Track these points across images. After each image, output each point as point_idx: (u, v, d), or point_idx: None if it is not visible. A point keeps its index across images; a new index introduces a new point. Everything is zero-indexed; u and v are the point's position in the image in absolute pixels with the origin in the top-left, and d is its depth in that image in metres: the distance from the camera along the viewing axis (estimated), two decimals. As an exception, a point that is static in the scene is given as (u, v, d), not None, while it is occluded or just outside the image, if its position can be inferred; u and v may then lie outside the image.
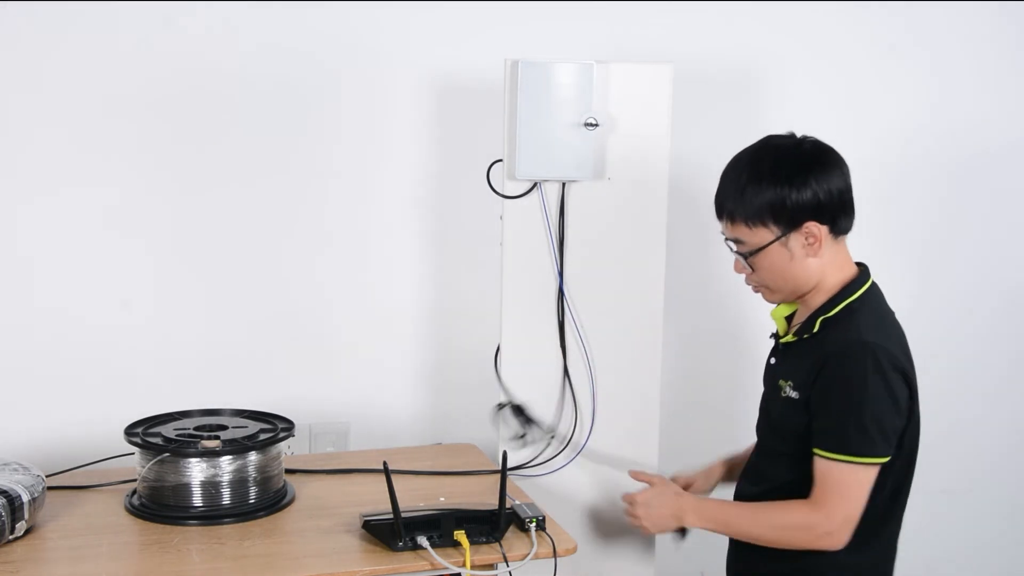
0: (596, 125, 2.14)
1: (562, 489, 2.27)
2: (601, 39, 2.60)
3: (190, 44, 2.37)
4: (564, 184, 2.19)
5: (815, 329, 1.93)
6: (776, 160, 1.91)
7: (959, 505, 3.12)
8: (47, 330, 2.36)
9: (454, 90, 2.52)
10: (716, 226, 1.95)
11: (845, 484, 1.86)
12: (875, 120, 2.88)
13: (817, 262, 1.92)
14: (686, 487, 2.16)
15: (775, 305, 2.04)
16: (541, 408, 2.26)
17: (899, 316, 1.94)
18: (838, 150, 1.92)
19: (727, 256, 1.98)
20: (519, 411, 2.24)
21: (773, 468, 2.00)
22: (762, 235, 1.90)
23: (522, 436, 2.23)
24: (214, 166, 2.42)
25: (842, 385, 1.86)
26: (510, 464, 2.21)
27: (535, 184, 2.18)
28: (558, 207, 2.20)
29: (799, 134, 1.95)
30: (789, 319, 2.04)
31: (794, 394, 1.93)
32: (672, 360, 2.38)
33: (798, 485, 1.94)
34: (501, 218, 2.20)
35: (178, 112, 2.38)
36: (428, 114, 2.53)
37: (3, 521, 1.77)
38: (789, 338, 1.98)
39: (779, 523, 1.93)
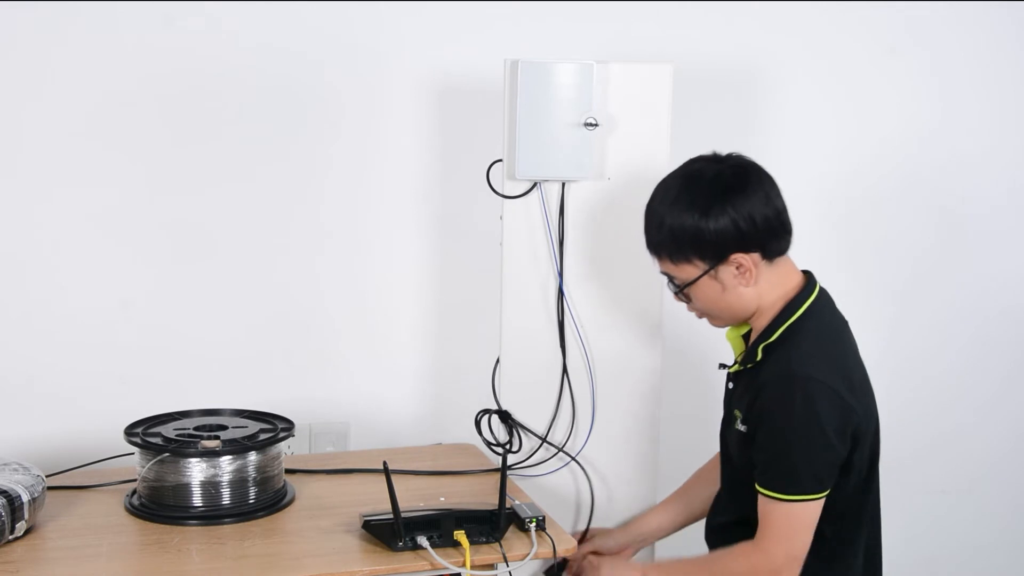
0: (596, 125, 2.14)
1: (562, 489, 2.27)
2: (601, 39, 2.60)
3: (190, 44, 2.37)
4: (564, 184, 2.19)
5: (758, 358, 1.89)
6: (691, 191, 1.85)
7: (959, 505, 3.12)
8: (46, 330, 2.36)
9: (454, 90, 2.52)
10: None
11: (782, 522, 1.83)
12: (875, 121, 2.87)
13: (753, 290, 1.87)
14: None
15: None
16: (540, 409, 2.26)
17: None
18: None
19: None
20: (505, 418, 2.24)
21: (736, 499, 1.99)
22: (689, 271, 1.88)
23: (507, 443, 2.23)
24: (214, 166, 2.42)
25: (771, 422, 1.82)
26: (509, 463, 2.22)
27: (535, 184, 2.18)
28: (558, 207, 2.20)
29: (723, 152, 1.90)
30: (746, 337, 2.00)
31: (743, 427, 1.91)
32: (672, 360, 2.38)
33: (747, 523, 1.92)
34: (501, 218, 2.20)
35: (177, 112, 2.38)
36: (428, 114, 2.53)
37: (3, 521, 1.77)
38: (736, 368, 1.96)
39: (728, 569, 1.90)
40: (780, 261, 1.90)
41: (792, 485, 1.82)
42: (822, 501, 1.84)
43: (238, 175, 2.44)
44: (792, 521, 1.83)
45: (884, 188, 2.91)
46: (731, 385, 2.01)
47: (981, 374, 3.08)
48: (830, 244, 2.84)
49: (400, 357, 2.60)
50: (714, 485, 2.17)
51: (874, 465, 1.95)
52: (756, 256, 1.85)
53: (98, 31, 2.31)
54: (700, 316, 1.98)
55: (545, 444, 2.25)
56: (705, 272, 1.86)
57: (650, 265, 2.25)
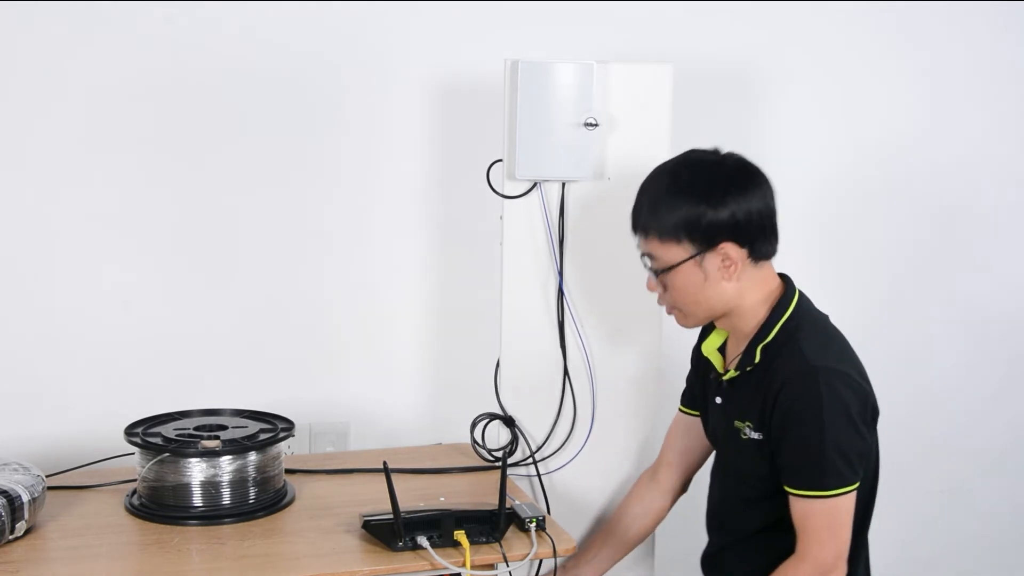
0: (596, 125, 2.14)
1: (562, 489, 2.27)
2: (601, 39, 2.60)
3: (190, 44, 2.37)
4: (564, 184, 2.19)
5: (756, 359, 1.87)
6: (694, 175, 1.84)
7: (959, 505, 3.12)
8: (47, 330, 2.36)
9: (454, 90, 2.52)
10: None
11: (826, 520, 1.81)
12: (876, 121, 2.88)
13: (733, 286, 1.85)
14: None
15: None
16: (540, 409, 2.26)
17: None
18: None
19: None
20: (509, 423, 2.24)
21: (742, 517, 1.97)
22: (675, 252, 1.84)
23: (508, 446, 2.24)
24: (214, 166, 2.42)
25: (799, 418, 1.79)
26: (509, 463, 2.22)
27: (535, 184, 2.18)
28: (558, 207, 2.20)
29: (724, 150, 1.88)
30: (721, 351, 1.99)
31: (756, 435, 1.87)
32: (672, 360, 2.38)
33: (772, 531, 1.90)
34: (501, 218, 2.20)
35: (178, 112, 2.38)
36: (428, 114, 2.53)
37: (3, 521, 1.77)
38: (732, 373, 1.92)
39: None
40: (763, 265, 1.88)
41: (832, 478, 1.79)
42: (853, 496, 1.82)
43: (239, 176, 2.44)
44: (835, 517, 1.81)
45: (884, 189, 2.91)
46: (719, 400, 1.98)
47: (979, 374, 3.08)
48: (828, 244, 2.84)
49: (400, 357, 2.60)
50: (644, 513, 2.16)
51: (877, 466, 1.94)
52: (744, 252, 1.83)
53: (97, 31, 2.31)
54: (669, 311, 1.93)
55: (534, 449, 2.25)
56: (691, 257, 1.83)
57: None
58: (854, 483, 1.81)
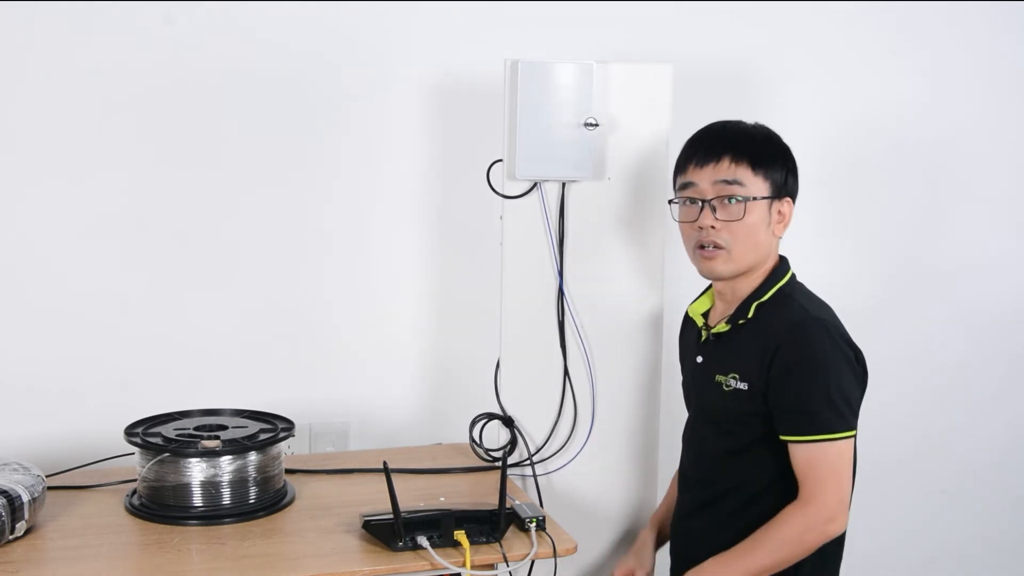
0: (596, 125, 2.14)
1: (562, 489, 2.27)
2: (601, 39, 2.60)
3: (190, 44, 2.37)
4: (564, 184, 2.19)
5: (750, 314, 1.95)
6: (787, 147, 2.01)
7: (959, 505, 3.12)
8: (47, 330, 2.36)
9: (454, 90, 2.52)
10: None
11: (830, 465, 1.85)
12: (876, 121, 2.87)
13: (772, 241, 1.98)
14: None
15: (693, 301, 2.12)
16: (540, 409, 2.26)
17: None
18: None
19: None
20: (508, 423, 2.24)
21: (724, 470, 1.99)
22: (759, 187, 1.95)
23: (507, 446, 2.23)
24: (215, 166, 2.42)
25: (804, 364, 1.86)
26: (509, 463, 2.22)
27: (535, 184, 2.18)
28: (558, 207, 2.20)
29: None
30: (706, 315, 2.08)
31: (742, 385, 1.93)
32: (672, 359, 2.38)
33: (736, 493, 1.94)
34: (501, 218, 2.20)
35: (178, 112, 2.38)
36: (428, 114, 2.53)
37: (3, 521, 1.77)
38: (721, 327, 1.99)
39: (784, 538, 1.86)
40: (779, 242, 2.03)
41: (837, 421, 1.85)
42: (853, 443, 1.88)
43: (239, 176, 2.44)
44: (839, 462, 1.86)
45: (884, 189, 2.91)
46: (700, 359, 2.04)
47: (979, 374, 3.08)
48: (827, 244, 2.84)
49: (400, 357, 2.60)
50: None
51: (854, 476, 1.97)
52: (789, 217, 1.99)
53: (97, 30, 2.31)
54: (710, 254, 1.96)
55: (533, 449, 2.25)
56: (766, 197, 1.95)
57: (650, 265, 2.26)
58: (854, 429, 1.88)
